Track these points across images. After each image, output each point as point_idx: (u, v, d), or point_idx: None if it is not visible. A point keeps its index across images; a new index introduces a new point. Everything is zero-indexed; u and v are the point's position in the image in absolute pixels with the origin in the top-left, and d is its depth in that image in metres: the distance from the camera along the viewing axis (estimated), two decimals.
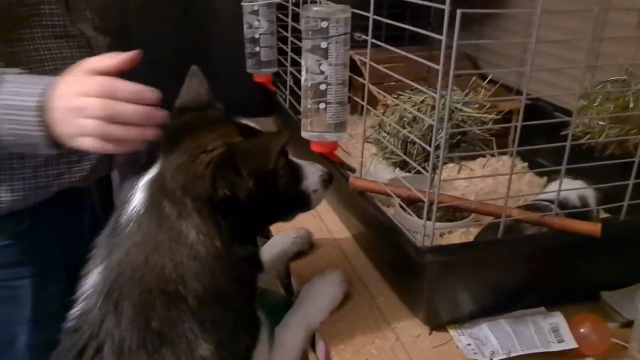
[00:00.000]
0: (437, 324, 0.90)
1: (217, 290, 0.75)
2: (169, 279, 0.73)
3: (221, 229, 0.75)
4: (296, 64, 1.30)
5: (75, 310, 0.78)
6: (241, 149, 0.75)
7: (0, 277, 1.04)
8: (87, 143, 0.74)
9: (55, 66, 0.98)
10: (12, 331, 1.08)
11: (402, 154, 0.93)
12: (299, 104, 1.14)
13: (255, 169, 0.75)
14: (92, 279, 0.77)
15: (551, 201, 0.92)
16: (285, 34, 1.36)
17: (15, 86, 0.76)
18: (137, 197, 0.76)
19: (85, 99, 0.72)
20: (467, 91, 0.96)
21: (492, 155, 1.30)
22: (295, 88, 1.26)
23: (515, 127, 1.07)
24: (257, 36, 1.43)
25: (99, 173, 1.12)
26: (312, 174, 0.89)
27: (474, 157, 1.29)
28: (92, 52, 1.06)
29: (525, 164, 1.40)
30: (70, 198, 1.06)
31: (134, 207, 0.76)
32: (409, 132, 0.91)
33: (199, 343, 0.73)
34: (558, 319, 0.89)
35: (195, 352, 0.73)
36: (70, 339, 0.77)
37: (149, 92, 0.73)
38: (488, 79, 1.03)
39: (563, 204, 0.95)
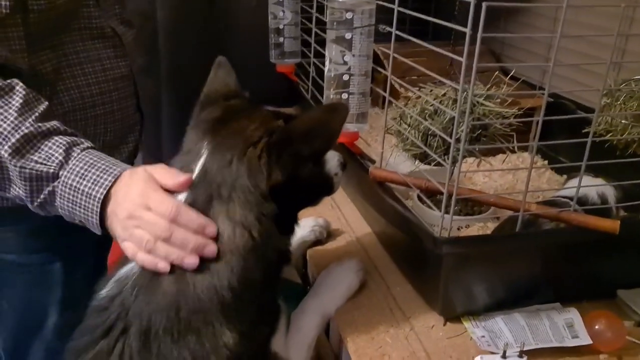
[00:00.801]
0: (451, 316, 0.91)
1: (248, 281, 0.75)
2: (202, 269, 0.74)
3: (262, 221, 0.76)
4: (319, 55, 1.31)
5: (105, 291, 0.79)
6: (298, 131, 0.75)
7: (33, 261, 1.07)
8: (129, 251, 0.76)
9: (93, 68, 1.01)
10: (42, 313, 1.11)
11: (422, 146, 0.94)
12: (321, 94, 1.15)
13: (320, 147, 0.77)
14: (130, 265, 0.78)
15: (570, 198, 0.92)
16: (309, 25, 1.37)
17: (85, 169, 0.78)
18: (182, 195, 0.77)
19: (149, 215, 0.74)
20: (489, 86, 0.96)
21: (513, 151, 1.30)
22: (318, 79, 1.27)
23: (537, 124, 1.08)
24: (281, 27, 1.45)
25: (129, 163, 1.15)
26: (332, 158, 0.89)
27: (494, 153, 1.29)
28: (124, 50, 1.08)
29: (546, 162, 1.40)
30: None
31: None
32: (430, 125, 0.92)
33: (223, 331, 0.74)
34: (573, 314, 0.89)
35: (219, 340, 0.74)
36: (97, 317, 0.78)
37: (210, 227, 0.74)
38: (510, 75, 1.03)
39: (582, 201, 0.95)
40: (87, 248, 1.12)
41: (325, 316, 0.93)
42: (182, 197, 0.77)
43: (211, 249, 0.73)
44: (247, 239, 0.75)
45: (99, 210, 0.77)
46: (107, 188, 0.77)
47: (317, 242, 1.14)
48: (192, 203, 0.76)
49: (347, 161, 0.92)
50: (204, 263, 0.74)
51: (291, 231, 0.85)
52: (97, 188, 0.77)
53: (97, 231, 0.80)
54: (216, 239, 0.74)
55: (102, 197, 0.77)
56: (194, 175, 0.77)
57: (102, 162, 0.80)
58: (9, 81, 0.82)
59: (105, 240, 1.21)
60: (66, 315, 1.12)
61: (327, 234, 1.16)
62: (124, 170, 0.79)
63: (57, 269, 1.09)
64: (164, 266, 0.74)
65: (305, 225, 1.13)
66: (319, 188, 0.89)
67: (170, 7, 1.75)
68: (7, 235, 1.04)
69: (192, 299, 0.74)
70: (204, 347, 0.73)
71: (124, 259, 0.81)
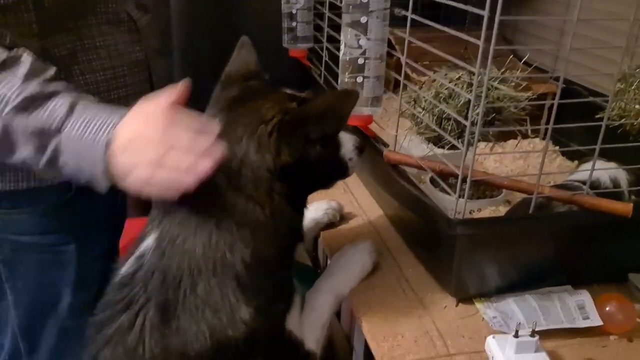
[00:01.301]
0: (464, 297, 0.92)
1: (262, 258, 0.77)
2: (216, 247, 0.76)
3: (273, 198, 0.77)
4: (332, 40, 1.31)
5: (126, 268, 0.82)
6: (309, 113, 0.77)
7: (48, 242, 1.09)
8: (142, 174, 0.72)
9: (108, 52, 1.01)
10: (57, 293, 1.13)
11: (437, 129, 0.94)
12: (334, 79, 1.16)
13: (328, 131, 0.78)
14: (147, 242, 0.81)
15: (582, 182, 0.93)
16: (322, 9, 1.37)
17: (88, 119, 0.76)
18: None
19: (149, 130, 0.72)
20: (503, 70, 0.96)
21: (524, 137, 1.31)
22: (331, 63, 1.28)
23: (549, 109, 1.08)
24: (294, 11, 1.45)
25: None
26: (347, 141, 0.90)
27: (505, 139, 1.30)
28: (139, 35, 1.09)
29: (557, 148, 1.41)
30: None
31: None
32: (445, 108, 0.93)
33: (240, 307, 0.76)
34: (584, 296, 0.91)
35: (236, 315, 0.76)
36: (118, 292, 0.80)
37: (211, 125, 0.72)
38: (523, 60, 1.03)
39: (595, 185, 0.96)
40: (100, 229, 1.14)
41: (338, 296, 0.95)
42: None
43: (218, 149, 0.70)
44: (260, 214, 0.77)
45: (103, 154, 0.73)
46: (109, 130, 0.73)
47: (330, 224, 1.16)
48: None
49: (364, 146, 0.93)
50: (219, 238, 0.76)
51: (302, 209, 0.87)
52: (100, 133, 0.73)
53: (104, 184, 0.76)
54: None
55: (106, 139, 0.73)
56: None
57: (107, 110, 0.77)
58: (14, 52, 0.81)
59: (118, 221, 1.23)
60: (80, 295, 1.14)
61: (340, 217, 1.17)
62: (125, 114, 0.75)
63: (71, 250, 1.11)
64: (188, 179, 0.69)
65: (319, 208, 1.15)
66: (332, 171, 0.90)
67: None
68: (21, 217, 1.06)
69: (206, 273, 0.76)
70: (221, 322, 0.75)
71: (141, 237, 0.83)
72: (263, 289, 0.78)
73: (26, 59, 0.81)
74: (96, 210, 1.13)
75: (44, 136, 0.77)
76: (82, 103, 0.78)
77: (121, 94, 1.05)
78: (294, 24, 1.46)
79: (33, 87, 0.78)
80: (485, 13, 0.72)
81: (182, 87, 0.74)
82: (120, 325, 0.77)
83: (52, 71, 0.83)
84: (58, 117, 0.76)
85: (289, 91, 0.86)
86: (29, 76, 0.79)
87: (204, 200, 0.77)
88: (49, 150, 0.77)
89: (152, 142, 0.71)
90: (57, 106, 0.77)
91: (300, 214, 0.86)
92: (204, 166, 0.69)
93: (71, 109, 0.77)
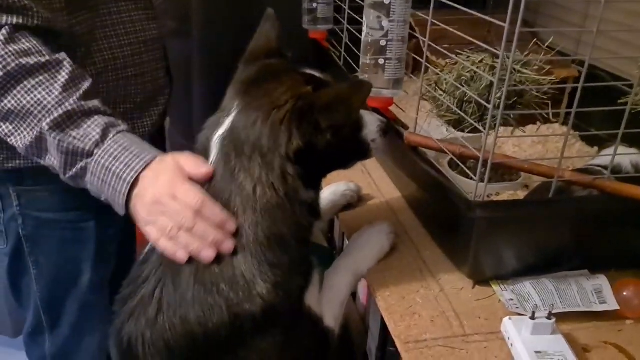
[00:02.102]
0: (481, 279, 0.93)
1: (276, 235, 0.79)
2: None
3: (287, 178, 0.78)
4: (352, 21, 1.31)
5: (149, 245, 0.84)
6: (321, 102, 0.77)
7: (69, 219, 1.12)
8: (152, 235, 0.80)
9: (125, 29, 1.04)
10: (77, 269, 1.16)
11: (459, 112, 0.95)
12: (354, 61, 1.16)
13: (337, 122, 0.78)
14: None
15: (604, 167, 0.93)
16: None
17: (119, 151, 0.82)
18: (214, 150, 0.81)
19: (175, 204, 0.78)
20: (526, 53, 0.96)
21: (544, 122, 1.30)
22: (351, 45, 1.28)
23: (570, 94, 1.08)
24: None
25: (158, 125, 1.19)
26: (372, 123, 0.90)
27: (524, 124, 1.29)
28: (155, 12, 1.10)
29: (577, 133, 1.40)
30: None
31: (211, 160, 0.81)
32: (467, 91, 0.93)
33: (257, 282, 0.78)
34: (601, 281, 0.91)
35: (253, 290, 0.78)
36: (139, 269, 0.84)
37: (231, 224, 0.78)
38: (547, 44, 1.03)
39: (616, 170, 0.95)
40: None
41: (357, 275, 0.96)
42: (214, 152, 0.80)
43: (229, 245, 0.77)
44: (273, 196, 0.78)
45: (127, 192, 0.81)
46: (138, 172, 0.81)
47: (348, 206, 1.17)
48: (219, 160, 0.79)
49: (390, 127, 0.93)
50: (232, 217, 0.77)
51: (318, 188, 0.87)
52: (127, 171, 0.81)
53: (121, 212, 0.84)
54: (235, 235, 0.78)
55: (131, 180, 0.80)
56: (223, 131, 0.80)
57: (135, 146, 0.83)
58: (57, 56, 0.85)
59: None
60: (99, 271, 1.17)
61: (359, 199, 1.18)
62: (154, 157, 0.82)
63: (91, 227, 1.13)
64: (182, 255, 0.77)
65: (337, 190, 1.16)
66: (350, 153, 0.91)
67: None
68: (44, 194, 1.08)
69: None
70: (238, 296, 0.77)
71: None
72: (279, 265, 0.79)
73: (67, 65, 0.86)
74: None
75: (75, 155, 0.83)
76: (114, 129, 0.85)
77: (138, 71, 1.07)
78: (314, 5, 1.45)
79: (72, 101, 0.83)
80: None
81: (207, 171, 0.80)
82: (142, 298, 0.80)
83: (88, 83, 0.87)
84: (91, 142, 0.83)
85: (309, 71, 0.86)
86: (68, 86, 0.84)
87: (218, 181, 0.79)
88: (76, 168, 0.84)
89: (179, 217, 0.78)
90: (91, 128, 0.83)
91: (317, 193, 0.86)
92: (228, 247, 0.77)
93: (104, 135, 0.83)
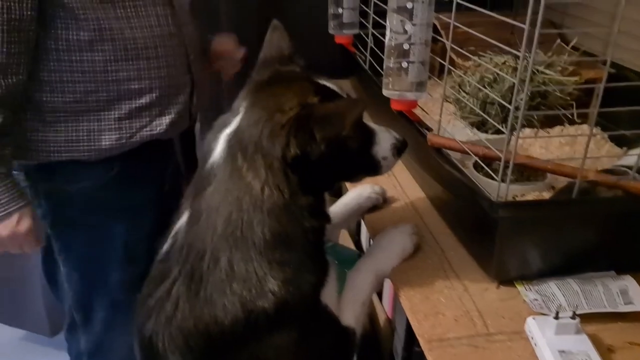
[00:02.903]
0: (505, 279, 0.93)
1: (283, 235, 0.81)
2: (236, 224, 0.80)
3: (289, 182, 0.80)
4: (378, 26, 1.33)
5: (166, 246, 0.88)
6: (317, 113, 0.79)
7: (96, 219, 1.16)
8: None
9: (140, 23, 1.07)
10: (105, 268, 1.20)
11: (482, 113, 0.95)
12: (379, 65, 1.18)
13: (329, 134, 0.79)
14: (181, 220, 0.87)
15: (629, 167, 0.93)
16: None
17: None
18: (218, 147, 0.84)
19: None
20: (550, 54, 0.96)
21: (571, 123, 1.29)
22: (377, 49, 1.30)
23: (597, 95, 1.07)
24: None
25: (181, 126, 1.21)
26: (385, 140, 0.92)
27: (551, 125, 1.28)
28: (172, 9, 1.13)
29: (606, 135, 1.38)
30: (155, 150, 1.17)
31: (214, 157, 0.84)
32: (490, 92, 0.93)
33: (268, 279, 0.80)
34: (628, 282, 0.90)
35: (265, 287, 0.80)
36: (158, 268, 0.88)
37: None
38: (571, 44, 1.02)
39: None
40: (147, 209, 1.20)
41: (379, 275, 0.97)
42: (218, 149, 0.83)
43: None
44: (277, 196, 0.80)
45: None
46: None
47: (374, 208, 1.18)
48: (225, 154, 0.82)
49: (407, 145, 0.94)
50: (238, 216, 0.80)
51: (323, 195, 0.89)
52: None
53: None
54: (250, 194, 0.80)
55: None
56: (231, 130, 0.83)
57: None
58: None
59: (168, 202, 1.28)
60: (130, 271, 1.20)
61: (384, 200, 1.19)
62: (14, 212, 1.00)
63: (119, 227, 1.17)
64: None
65: (362, 193, 1.17)
66: (361, 167, 0.92)
67: None
68: (72, 194, 1.13)
69: (228, 248, 0.80)
70: (251, 293, 0.80)
71: (178, 215, 0.88)
72: (288, 262, 0.81)
73: None
74: (141, 191, 1.19)
75: None
76: None
77: (152, 65, 1.10)
78: (339, 10, 1.48)
79: None
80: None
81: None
82: (160, 296, 0.83)
83: None
84: None
85: (323, 82, 0.88)
86: None
87: (227, 180, 0.82)
88: None
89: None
90: None
91: (317, 198, 0.87)
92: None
93: None
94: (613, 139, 1.31)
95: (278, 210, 0.80)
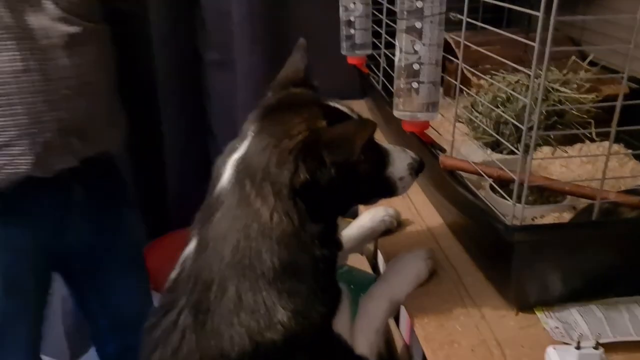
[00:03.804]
0: (524, 306, 0.90)
1: (292, 264, 0.79)
2: (244, 253, 0.78)
3: (299, 209, 0.78)
4: (390, 46, 1.31)
5: (173, 274, 0.87)
6: (326, 137, 0.77)
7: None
8: None
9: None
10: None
11: (494, 134, 0.93)
12: (393, 86, 1.16)
13: (338, 158, 0.77)
14: (189, 248, 0.85)
15: None
16: (380, 16, 1.38)
17: None
18: (226, 174, 0.82)
19: None
20: (565, 72, 0.93)
21: (592, 140, 1.25)
22: (389, 70, 1.28)
23: (618, 112, 1.03)
24: (352, 19, 1.46)
25: (60, 163, 1.16)
26: (400, 160, 0.90)
27: (571, 143, 1.25)
28: (30, 44, 1.07)
29: (629, 152, 1.34)
30: (43, 185, 1.15)
31: (222, 183, 0.82)
32: (503, 112, 0.91)
33: (277, 309, 0.78)
34: None
35: (274, 317, 0.78)
36: (166, 297, 0.86)
37: None
38: (588, 60, 0.99)
39: None
40: (31, 247, 1.21)
41: (393, 302, 0.94)
42: (226, 175, 0.82)
43: None
44: (286, 224, 0.78)
45: None
46: None
47: (388, 231, 1.16)
48: (233, 181, 0.80)
49: (424, 165, 0.92)
50: (246, 245, 0.78)
51: (335, 220, 0.86)
52: None
53: None
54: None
55: None
56: (238, 155, 0.81)
57: None
58: None
59: (63, 239, 1.27)
60: (10, 303, 1.21)
61: (398, 224, 1.16)
62: None
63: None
64: None
65: (375, 216, 1.15)
66: (376, 189, 0.90)
67: (247, 3, 1.80)
68: None
69: (236, 278, 0.78)
70: (259, 324, 0.77)
71: (186, 243, 0.87)
72: (298, 293, 0.79)
73: None
74: (31, 230, 1.21)
75: None
76: None
77: (2, 102, 1.07)
78: (352, 31, 1.47)
79: None
80: (540, 14, 0.71)
81: None
82: (166, 327, 0.81)
83: None
84: None
85: (333, 104, 0.86)
86: None
87: (234, 207, 0.80)
88: None
89: None
90: None
91: (333, 225, 0.85)
92: None
93: None
94: (638, 156, 1.27)
95: (287, 238, 0.78)
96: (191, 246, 0.86)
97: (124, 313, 1.44)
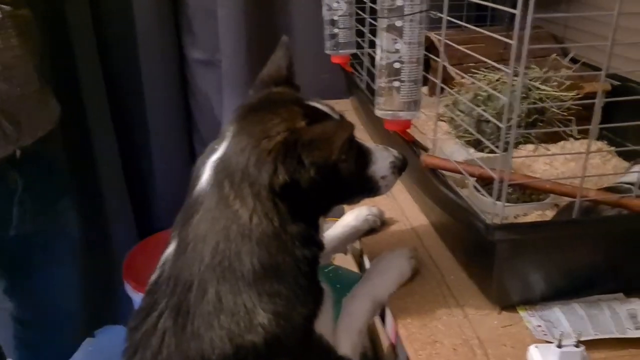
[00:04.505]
0: (506, 304, 0.90)
1: (273, 265, 0.78)
2: (224, 255, 0.77)
3: (279, 210, 0.77)
4: (374, 45, 1.31)
5: (154, 276, 0.85)
6: (305, 138, 0.76)
7: None
8: None
9: None
10: None
11: (475, 133, 0.92)
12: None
13: (317, 159, 0.76)
14: (169, 249, 0.84)
15: (633, 184, 0.89)
16: (363, 15, 1.37)
17: None
18: (205, 175, 0.81)
19: None
20: (545, 69, 0.93)
21: (576, 138, 1.25)
22: (373, 69, 1.28)
23: (603, 108, 1.03)
24: (335, 18, 1.46)
25: None
26: (383, 159, 0.89)
27: (555, 140, 1.25)
28: None
29: (612, 149, 1.34)
30: None
31: (201, 184, 0.81)
32: (483, 111, 0.90)
33: (258, 312, 0.77)
34: (637, 305, 0.86)
35: (255, 320, 0.77)
36: (145, 300, 0.85)
37: None
38: (569, 57, 0.99)
39: None
40: None
41: (376, 302, 0.94)
42: (205, 176, 0.81)
43: None
44: (265, 225, 0.77)
45: None
46: None
47: (372, 230, 1.15)
48: (212, 182, 0.79)
49: (407, 163, 0.91)
50: (226, 246, 0.77)
51: (317, 221, 0.85)
52: None
53: None
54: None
55: None
56: (217, 156, 0.81)
57: None
58: None
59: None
60: None
61: (382, 223, 1.16)
62: None
63: None
64: None
65: (359, 215, 1.14)
66: (358, 188, 0.89)
67: (232, 2, 1.78)
68: None
69: (216, 280, 0.77)
70: (239, 327, 0.76)
71: (167, 245, 0.86)
72: (279, 294, 0.78)
73: None
74: None
75: None
76: None
77: None
78: (335, 30, 1.46)
79: None
80: (517, 11, 0.70)
81: None
82: (146, 330, 0.80)
83: None
84: None
85: (314, 103, 0.86)
86: None
87: (214, 208, 0.79)
88: None
89: None
90: None
91: (315, 225, 0.84)
92: None
93: None
94: (621, 152, 1.27)
95: (267, 239, 0.77)
96: (171, 248, 0.85)
97: (52, 305, 1.45)
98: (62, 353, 1.58)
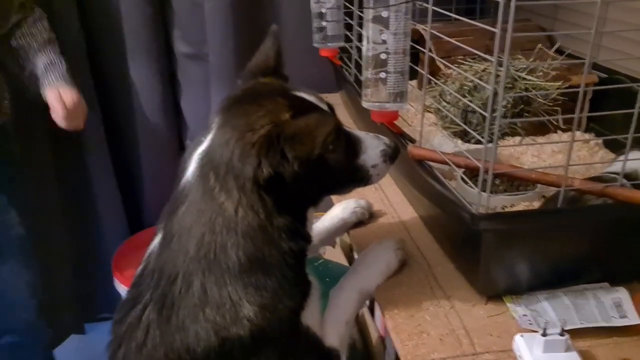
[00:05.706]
0: (493, 294, 0.90)
1: (259, 258, 0.77)
2: (209, 247, 0.77)
3: (264, 202, 0.77)
4: (362, 38, 1.30)
5: (139, 269, 0.85)
6: (287, 132, 0.75)
7: None
8: None
9: None
10: None
11: (461, 123, 0.92)
12: None
13: (300, 154, 0.76)
14: (154, 242, 0.84)
15: (618, 174, 0.89)
16: (351, 8, 1.37)
17: None
18: (191, 167, 0.81)
19: None
20: (531, 59, 0.93)
21: (564, 130, 1.26)
22: (361, 62, 1.27)
23: (590, 100, 1.03)
24: (323, 11, 1.45)
25: None
26: (373, 147, 0.87)
27: (543, 132, 1.25)
28: None
29: (600, 140, 1.35)
30: None
31: (187, 176, 0.81)
32: (469, 101, 0.90)
33: (243, 304, 0.77)
34: (621, 294, 0.86)
35: (240, 312, 0.76)
36: (130, 292, 0.84)
37: None
38: (554, 47, 0.99)
39: (632, 177, 0.91)
40: None
41: (363, 293, 0.94)
42: (191, 168, 0.81)
43: None
44: (253, 218, 0.76)
45: None
46: None
47: (360, 222, 1.15)
48: (197, 174, 0.79)
49: (399, 151, 0.90)
50: (211, 239, 0.77)
51: (304, 213, 0.85)
52: None
53: None
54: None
55: None
56: (202, 149, 0.80)
57: None
58: None
59: None
60: None
61: (370, 215, 1.16)
62: None
63: None
64: None
65: (347, 207, 1.14)
66: (347, 178, 0.87)
67: None
68: None
69: (201, 272, 0.77)
70: (225, 319, 0.76)
71: (153, 238, 0.85)
72: (265, 287, 0.78)
73: None
74: None
75: None
76: None
77: None
78: (323, 23, 1.46)
79: None
80: (500, 0, 0.70)
81: None
82: (130, 322, 0.80)
83: None
84: None
85: (301, 94, 0.85)
86: None
87: (199, 201, 0.79)
88: None
89: None
90: None
91: (302, 218, 0.84)
92: None
93: None
94: (608, 144, 1.27)
95: (253, 232, 0.77)
96: (156, 240, 0.84)
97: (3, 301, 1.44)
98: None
